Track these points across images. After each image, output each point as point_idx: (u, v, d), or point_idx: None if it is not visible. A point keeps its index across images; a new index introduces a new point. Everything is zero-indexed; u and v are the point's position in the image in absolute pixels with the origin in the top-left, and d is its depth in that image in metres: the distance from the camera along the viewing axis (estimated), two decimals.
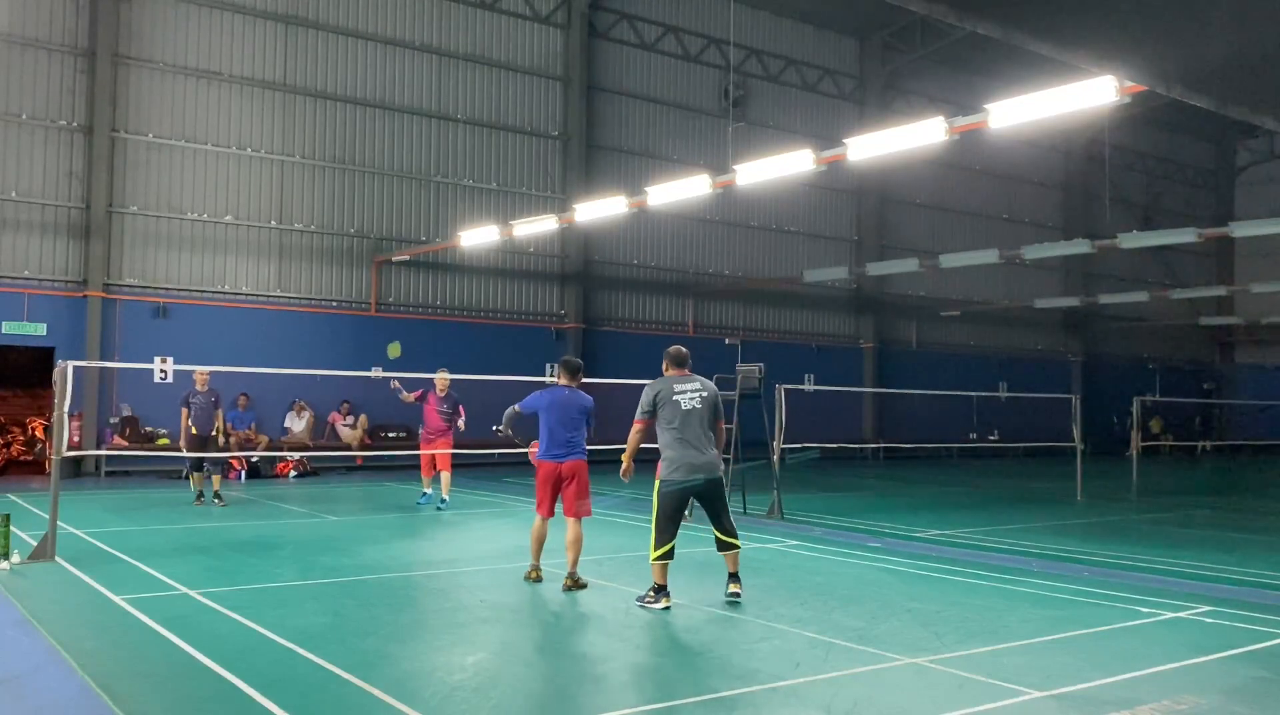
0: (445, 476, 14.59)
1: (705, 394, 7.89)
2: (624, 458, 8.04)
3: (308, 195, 22.10)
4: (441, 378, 14.69)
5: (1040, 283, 34.82)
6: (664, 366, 8.13)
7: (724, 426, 8.18)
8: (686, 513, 8.44)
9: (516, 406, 8.88)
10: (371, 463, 21.44)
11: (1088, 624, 7.45)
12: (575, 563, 8.51)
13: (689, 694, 5.56)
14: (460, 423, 14.81)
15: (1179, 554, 11.25)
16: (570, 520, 8.56)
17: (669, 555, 7.72)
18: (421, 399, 14.68)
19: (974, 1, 6.33)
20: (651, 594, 7.74)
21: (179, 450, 15.08)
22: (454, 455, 14.93)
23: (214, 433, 14.50)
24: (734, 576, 7.99)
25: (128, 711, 5.14)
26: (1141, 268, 36.44)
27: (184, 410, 14.30)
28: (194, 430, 14.24)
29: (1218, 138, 40.35)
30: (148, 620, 7.11)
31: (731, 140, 25.25)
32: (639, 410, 7.91)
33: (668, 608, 7.62)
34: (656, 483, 7.86)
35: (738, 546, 8.00)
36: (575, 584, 8.47)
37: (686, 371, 8.06)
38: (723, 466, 8.07)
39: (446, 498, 14.55)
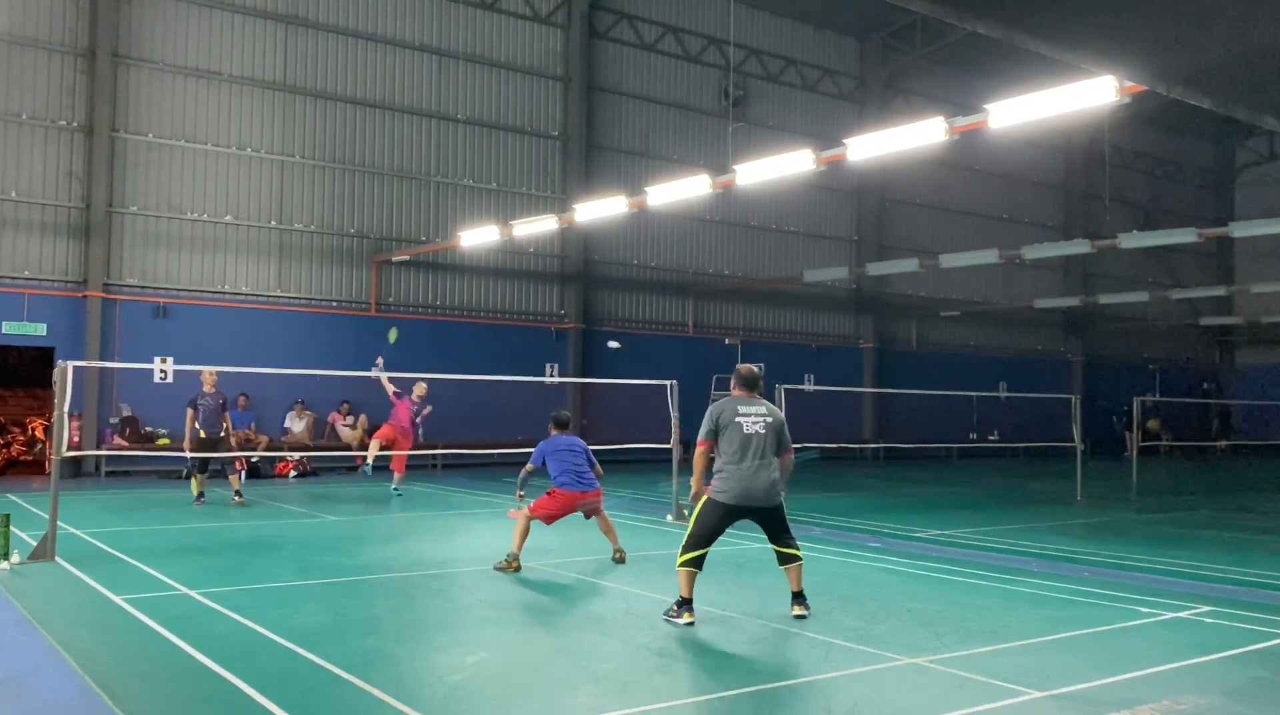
0: (398, 476, 16.47)
1: (770, 420, 7.43)
2: (693, 482, 7.58)
3: (308, 195, 22.10)
4: (420, 387, 16.56)
5: (1040, 283, 34.81)
6: (731, 386, 7.69)
7: (791, 458, 7.65)
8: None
9: (528, 465, 9.85)
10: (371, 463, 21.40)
11: (1088, 624, 7.45)
12: (618, 539, 10.02)
13: (688, 694, 5.56)
14: (420, 418, 16.51)
15: (1179, 554, 11.25)
16: (598, 517, 9.94)
17: (697, 564, 7.30)
18: (399, 396, 16.32)
19: (974, 1, 6.33)
20: (674, 608, 7.33)
21: (181, 450, 15.08)
22: (455, 455, 16.71)
23: (222, 435, 14.46)
24: (798, 596, 7.51)
25: (128, 711, 5.14)
26: (1141, 268, 36.41)
27: (190, 412, 14.26)
28: (201, 433, 14.19)
29: (1218, 138, 40.35)
30: (148, 620, 7.11)
31: (731, 140, 25.26)
32: (702, 431, 7.46)
33: (690, 623, 7.17)
34: (704, 499, 7.41)
35: (799, 559, 7.52)
36: (623, 554, 9.90)
37: (754, 394, 7.58)
38: (782, 494, 7.51)
39: (396, 486, 16.29)
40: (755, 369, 7.72)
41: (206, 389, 14.35)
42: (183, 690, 5.62)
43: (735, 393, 7.62)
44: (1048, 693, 5.64)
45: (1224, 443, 35.21)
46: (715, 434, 7.41)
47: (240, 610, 7.42)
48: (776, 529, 7.54)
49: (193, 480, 14.87)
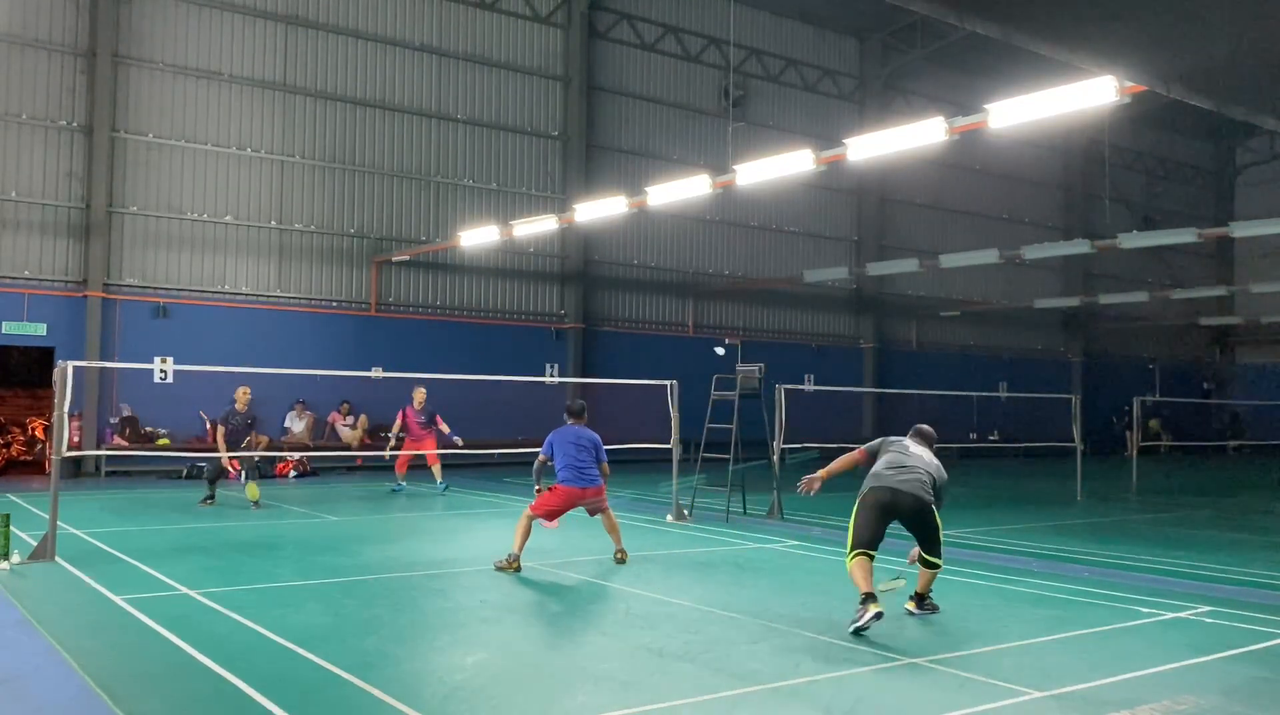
0: (436, 468, 16.91)
1: (930, 469, 7.57)
2: (824, 470, 7.72)
3: (308, 195, 22.09)
4: (419, 393, 16.93)
5: (1040, 283, 34.80)
6: (909, 434, 8.02)
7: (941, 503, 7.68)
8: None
9: (540, 456, 9.86)
10: (371, 463, 21.42)
11: (1088, 624, 7.45)
12: (621, 540, 9.96)
13: (689, 694, 5.56)
14: (443, 427, 16.82)
15: (1179, 554, 11.25)
16: (603, 515, 9.90)
17: (866, 555, 7.14)
18: (405, 418, 16.90)
19: (974, 1, 6.34)
20: (859, 607, 6.90)
21: (181, 451, 14.98)
22: (460, 455, 17.19)
23: (242, 446, 14.33)
24: (917, 596, 7.64)
25: (128, 711, 5.15)
26: (1141, 268, 36.41)
27: (221, 428, 14.11)
28: (223, 447, 14.08)
29: (1218, 138, 40.34)
30: (148, 620, 7.11)
31: (731, 140, 25.24)
32: (869, 444, 7.87)
33: (879, 614, 6.84)
34: (857, 504, 7.44)
35: (938, 567, 7.55)
36: (625, 555, 9.86)
37: (929, 448, 7.89)
38: (932, 502, 7.45)
39: (442, 481, 16.82)
40: (932, 431, 8.09)
41: (239, 407, 14.26)
42: (183, 690, 5.62)
43: (911, 440, 7.91)
44: (1048, 693, 5.64)
45: (1235, 443, 35.01)
46: (876, 453, 7.74)
47: (240, 610, 7.42)
48: (927, 534, 7.48)
49: (210, 485, 14.70)
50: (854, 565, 7.15)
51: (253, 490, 14.33)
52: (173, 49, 20.60)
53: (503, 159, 24.64)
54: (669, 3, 27.37)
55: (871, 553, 7.19)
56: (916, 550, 7.64)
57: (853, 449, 8.01)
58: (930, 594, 7.71)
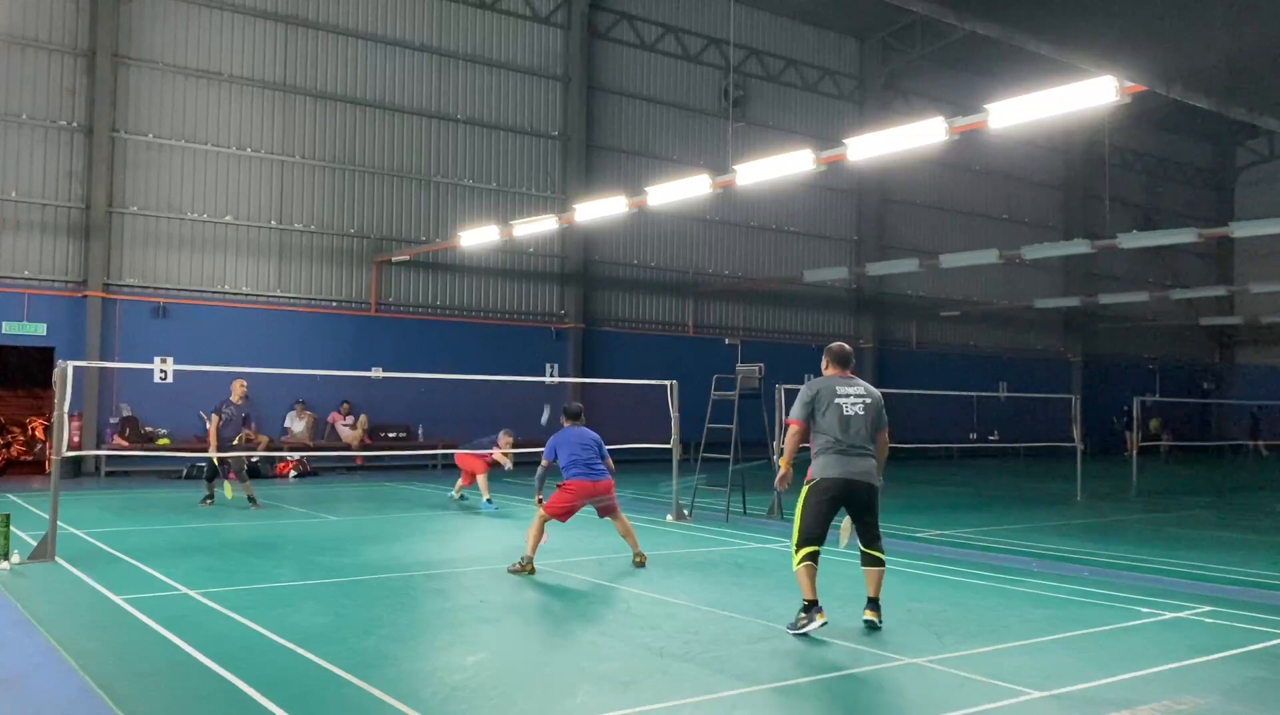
0: (483, 479, 15.17)
1: (869, 401, 7.07)
2: (781, 462, 7.21)
3: (308, 195, 22.10)
4: (505, 441, 15.17)
5: (1040, 283, 34.81)
6: (823, 364, 7.31)
7: (887, 437, 7.25)
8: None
9: (542, 461, 9.67)
10: (371, 463, 21.44)
11: (1088, 624, 7.45)
12: (637, 543, 9.85)
13: (689, 694, 5.56)
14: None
15: (1179, 554, 11.25)
16: (615, 519, 9.82)
17: (814, 557, 6.86)
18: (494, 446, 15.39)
19: (974, 1, 6.34)
20: (802, 615, 6.82)
21: (181, 451, 14.93)
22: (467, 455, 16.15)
23: (235, 443, 14.29)
24: (873, 602, 7.08)
25: (128, 711, 5.14)
26: (1141, 268, 36.42)
27: (215, 417, 13.99)
28: (214, 437, 14.02)
29: (1218, 138, 40.34)
30: (148, 620, 7.11)
31: (731, 140, 25.25)
32: (795, 410, 7.10)
33: (824, 624, 6.77)
34: (805, 488, 7.06)
35: (883, 564, 7.12)
36: (644, 558, 9.76)
37: (849, 372, 7.25)
38: (879, 478, 7.14)
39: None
40: (848, 347, 7.38)
41: (234, 398, 14.13)
42: (183, 690, 5.62)
43: (829, 372, 7.24)
44: (1048, 693, 5.64)
45: (1260, 443, 34.84)
46: (811, 415, 7.02)
47: (240, 610, 7.42)
48: (871, 521, 7.12)
49: (208, 484, 14.68)
50: (803, 570, 6.87)
51: (228, 490, 14.20)
52: (173, 49, 20.60)
53: (503, 159, 24.64)
54: (669, 3, 27.37)
55: (819, 550, 6.97)
56: (847, 522, 7.25)
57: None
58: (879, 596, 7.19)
